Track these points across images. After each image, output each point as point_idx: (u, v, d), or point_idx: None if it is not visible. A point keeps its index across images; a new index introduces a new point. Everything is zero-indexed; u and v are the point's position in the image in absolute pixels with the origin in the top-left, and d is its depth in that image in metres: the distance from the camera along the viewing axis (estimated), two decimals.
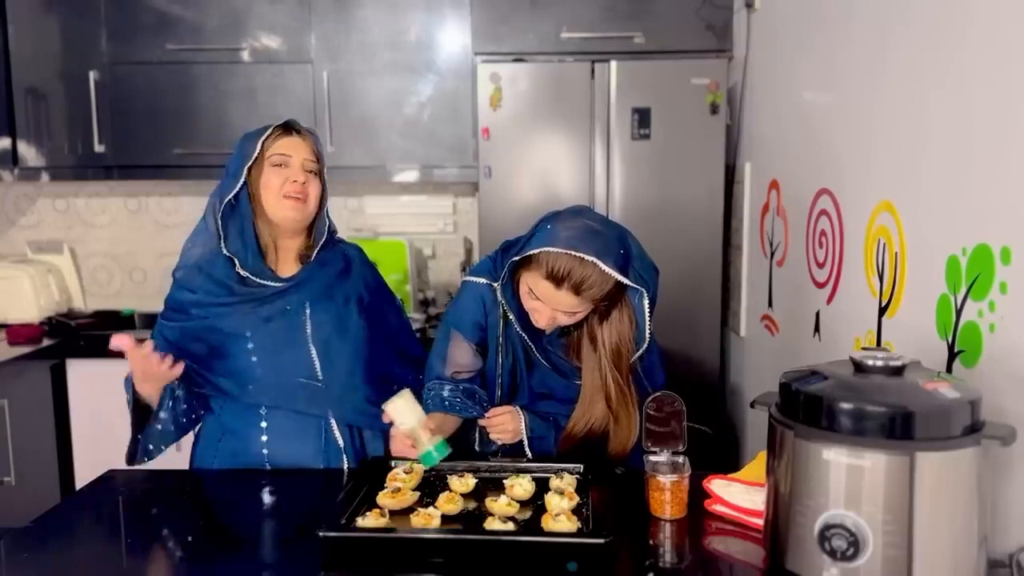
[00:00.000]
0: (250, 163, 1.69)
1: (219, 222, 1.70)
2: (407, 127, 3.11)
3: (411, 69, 3.09)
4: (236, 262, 1.70)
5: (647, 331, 1.64)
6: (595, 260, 1.49)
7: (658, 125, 2.76)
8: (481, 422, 1.70)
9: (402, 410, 1.52)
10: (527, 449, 1.71)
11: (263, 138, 1.70)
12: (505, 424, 1.68)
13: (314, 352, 1.74)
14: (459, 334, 1.73)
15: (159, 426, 1.73)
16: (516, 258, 1.58)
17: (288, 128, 1.74)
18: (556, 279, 1.51)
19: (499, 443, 1.72)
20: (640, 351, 1.66)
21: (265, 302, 1.71)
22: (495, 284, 1.68)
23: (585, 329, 1.67)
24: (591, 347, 1.67)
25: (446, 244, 3.56)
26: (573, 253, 1.49)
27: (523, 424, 1.69)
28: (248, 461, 1.74)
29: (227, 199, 1.69)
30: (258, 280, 1.71)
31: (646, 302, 1.61)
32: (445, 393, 1.71)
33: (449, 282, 3.54)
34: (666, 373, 1.78)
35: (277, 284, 1.72)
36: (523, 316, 1.65)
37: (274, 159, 1.70)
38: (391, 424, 1.57)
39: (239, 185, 1.69)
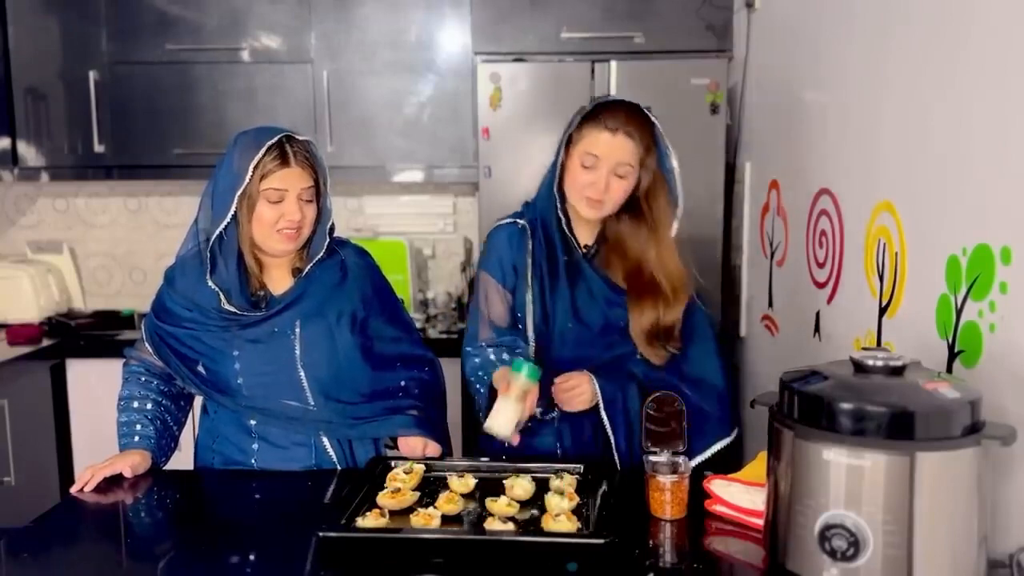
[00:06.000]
0: (240, 191, 1.59)
1: (207, 254, 1.64)
2: (407, 127, 3.10)
3: (411, 69, 3.08)
4: (221, 297, 1.65)
5: (679, 192, 1.78)
6: (638, 103, 1.70)
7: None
8: (554, 390, 1.68)
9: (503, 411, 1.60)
10: (603, 413, 1.69)
11: (255, 162, 1.58)
12: (582, 388, 1.67)
13: (302, 374, 1.69)
14: (492, 279, 1.79)
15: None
16: (578, 118, 1.70)
17: (284, 155, 1.60)
18: (612, 128, 1.67)
19: (572, 409, 1.70)
20: (678, 214, 1.79)
21: (252, 325, 1.67)
22: (520, 222, 1.80)
23: (611, 244, 1.79)
24: (620, 259, 1.78)
25: (446, 244, 3.55)
26: (624, 99, 1.71)
27: (596, 387, 1.68)
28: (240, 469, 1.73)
29: (218, 230, 1.62)
30: (243, 314, 1.67)
31: (674, 161, 1.75)
32: (489, 357, 1.76)
33: (449, 282, 3.54)
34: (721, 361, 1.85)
35: (265, 313, 1.67)
36: (563, 239, 1.77)
37: (269, 194, 1.60)
38: (391, 438, 1.62)
39: (228, 217, 1.61)
